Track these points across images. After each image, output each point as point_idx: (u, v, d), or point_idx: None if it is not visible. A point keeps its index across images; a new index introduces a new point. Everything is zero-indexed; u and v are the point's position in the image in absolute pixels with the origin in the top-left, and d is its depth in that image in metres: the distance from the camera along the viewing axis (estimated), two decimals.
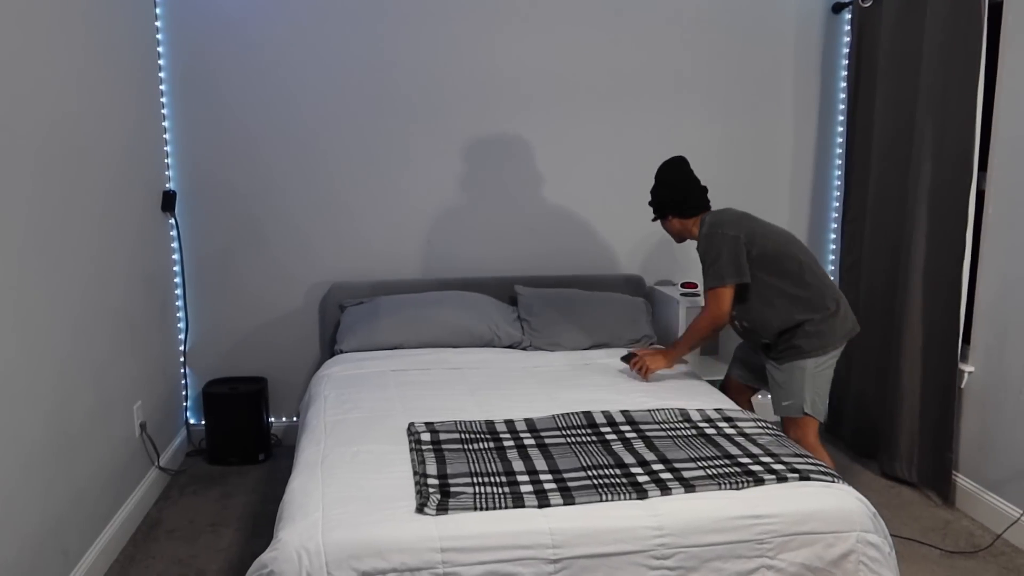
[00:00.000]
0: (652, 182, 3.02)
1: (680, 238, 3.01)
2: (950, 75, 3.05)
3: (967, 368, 3.11)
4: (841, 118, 3.92)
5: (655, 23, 3.75)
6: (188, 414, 3.74)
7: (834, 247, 4.02)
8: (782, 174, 3.97)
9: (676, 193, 2.93)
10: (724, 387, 3.14)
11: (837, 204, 3.98)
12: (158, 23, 3.44)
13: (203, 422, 3.64)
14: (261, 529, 2.95)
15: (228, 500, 3.21)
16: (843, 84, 3.89)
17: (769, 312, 2.77)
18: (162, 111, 3.50)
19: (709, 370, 3.68)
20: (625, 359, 3.05)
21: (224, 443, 3.55)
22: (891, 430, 3.38)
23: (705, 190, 2.96)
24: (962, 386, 3.14)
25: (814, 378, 2.76)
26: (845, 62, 3.86)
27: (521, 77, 3.71)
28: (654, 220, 3.06)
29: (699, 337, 2.87)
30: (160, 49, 3.46)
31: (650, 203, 3.01)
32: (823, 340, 2.74)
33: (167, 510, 3.13)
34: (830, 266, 4.06)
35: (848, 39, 3.81)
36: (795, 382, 2.77)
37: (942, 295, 3.14)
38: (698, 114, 3.87)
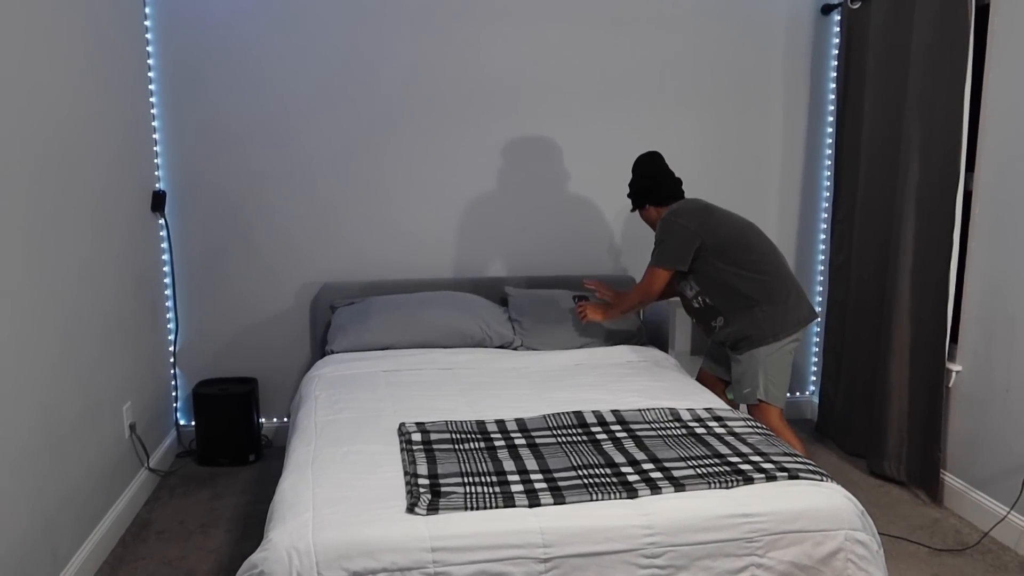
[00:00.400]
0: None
1: (655, 227, 3.13)
2: (938, 76, 3.07)
3: (955, 367, 3.13)
4: (830, 119, 3.94)
5: (645, 24, 3.76)
6: (178, 415, 3.73)
7: (823, 247, 4.04)
8: (772, 174, 3.99)
9: (652, 183, 3.12)
10: (699, 380, 3.25)
11: (826, 204, 4.00)
12: (147, 24, 3.43)
13: (193, 423, 3.63)
14: (251, 530, 2.94)
15: (218, 501, 3.20)
16: (832, 85, 3.91)
17: (726, 293, 2.94)
18: (152, 111, 3.49)
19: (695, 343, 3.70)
20: (576, 298, 3.46)
21: (214, 444, 3.55)
22: (879, 429, 3.40)
23: (679, 181, 3.15)
24: (950, 385, 3.16)
25: (767, 365, 2.91)
26: (834, 63, 3.88)
27: (511, 78, 3.71)
28: (633, 211, 3.22)
29: (630, 307, 3.17)
30: (149, 50, 3.45)
31: (628, 195, 3.19)
32: (774, 327, 2.90)
33: (157, 511, 3.12)
34: (819, 265, 4.08)
35: (837, 40, 3.83)
36: (750, 370, 2.93)
37: (930, 295, 3.16)
38: (688, 115, 3.88)
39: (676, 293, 3.18)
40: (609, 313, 3.24)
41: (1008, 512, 2.87)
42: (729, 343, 3.00)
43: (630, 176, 3.23)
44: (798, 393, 4.22)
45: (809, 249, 4.08)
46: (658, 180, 3.12)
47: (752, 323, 2.91)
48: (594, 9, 3.72)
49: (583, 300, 3.39)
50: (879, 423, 3.41)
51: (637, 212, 3.26)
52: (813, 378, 4.19)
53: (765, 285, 2.91)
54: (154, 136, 3.51)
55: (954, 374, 3.14)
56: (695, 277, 2.99)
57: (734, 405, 3.04)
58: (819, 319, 3.99)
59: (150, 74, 3.47)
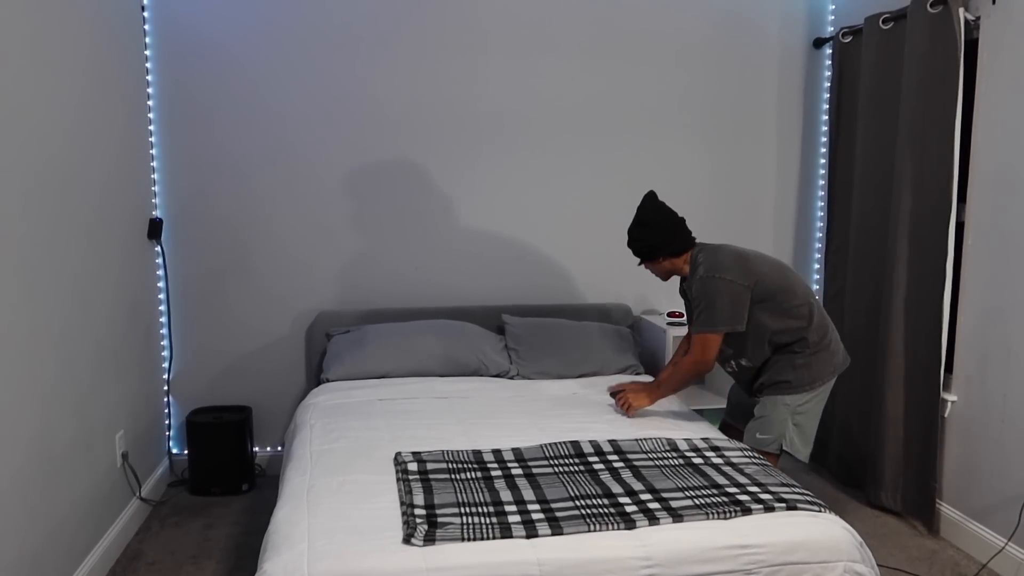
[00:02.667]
0: (636, 212, 2.90)
1: (667, 276, 2.91)
2: (929, 109, 3.12)
3: (950, 397, 3.14)
4: (823, 150, 3.98)
5: (639, 57, 3.81)
6: (171, 443, 3.70)
7: (817, 277, 4.06)
8: (766, 206, 4.02)
9: (665, 233, 2.80)
10: (721, 430, 3.04)
11: (820, 235, 4.03)
12: (147, 52, 3.46)
13: (186, 451, 3.60)
14: (244, 562, 2.91)
15: (210, 531, 3.16)
16: (825, 117, 3.96)
17: (760, 342, 2.74)
18: (150, 139, 3.50)
19: (696, 399, 3.69)
20: (613, 394, 3.03)
21: (207, 473, 3.51)
22: (876, 459, 3.39)
23: (683, 221, 2.87)
24: (945, 415, 3.16)
25: (794, 414, 2.72)
26: (827, 96, 3.94)
27: (506, 107, 3.75)
28: (640, 264, 2.92)
29: (683, 381, 2.82)
30: (149, 78, 3.48)
31: (632, 246, 2.86)
32: (811, 374, 2.72)
33: (148, 542, 3.08)
34: None
35: (829, 73, 3.89)
36: (776, 416, 2.72)
37: (924, 325, 3.17)
38: (682, 147, 3.92)
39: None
40: (656, 394, 2.88)
41: (1006, 544, 2.86)
42: (755, 386, 2.83)
43: (628, 207, 2.96)
44: None
45: (804, 279, 4.10)
46: (670, 229, 2.81)
47: (788, 370, 2.72)
48: (589, 43, 3.77)
49: (619, 393, 2.98)
50: (875, 453, 3.40)
51: (643, 264, 2.92)
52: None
53: (806, 331, 2.71)
54: (151, 164, 3.52)
55: (949, 404, 3.14)
56: (731, 337, 2.75)
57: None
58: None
59: (149, 102, 3.49)
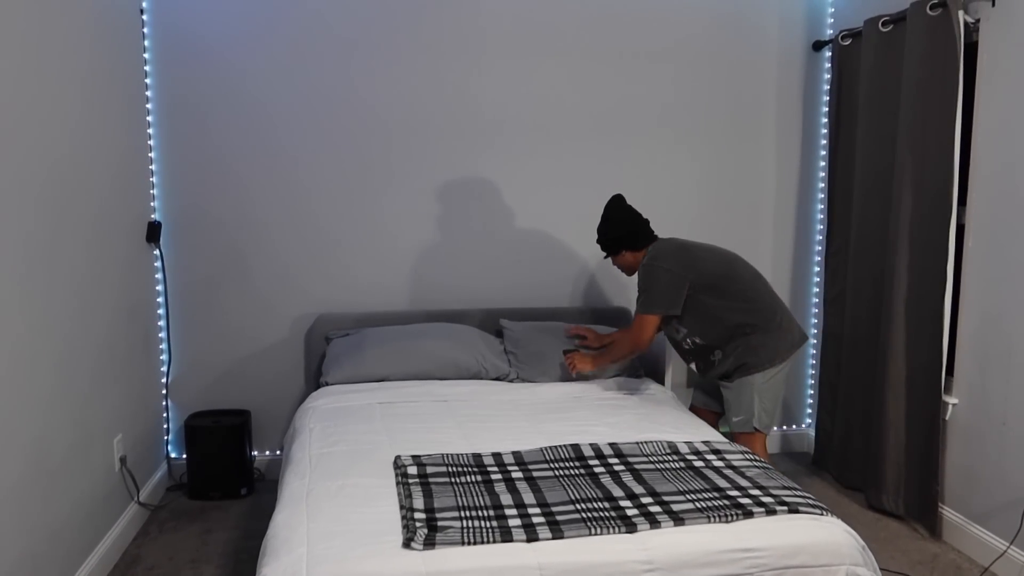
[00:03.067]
0: (603, 211, 3.16)
1: (631, 271, 3.16)
2: (928, 111, 3.11)
3: (951, 400, 3.13)
4: (823, 153, 3.98)
5: (638, 60, 3.81)
6: (169, 447, 3.68)
7: (818, 280, 4.06)
8: (766, 208, 4.02)
9: (627, 228, 3.10)
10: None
11: (820, 237, 4.03)
12: (146, 56, 3.45)
13: (184, 455, 3.59)
14: (243, 566, 2.89)
15: (209, 536, 3.15)
16: (824, 120, 3.96)
17: (718, 328, 2.96)
18: (148, 143, 3.50)
19: (683, 377, 3.68)
20: (565, 351, 3.35)
21: (206, 477, 3.50)
22: (877, 462, 3.38)
23: (647, 222, 3.15)
24: (946, 418, 3.15)
25: (762, 392, 2.94)
26: (826, 98, 3.93)
27: (506, 110, 3.75)
28: (606, 257, 3.21)
29: (619, 355, 3.14)
30: (148, 82, 3.47)
31: (598, 241, 3.17)
32: (769, 353, 2.93)
33: (146, 546, 3.06)
34: (813, 298, 4.09)
35: (829, 76, 3.89)
36: (744, 397, 2.95)
37: (925, 328, 3.17)
38: (681, 149, 3.91)
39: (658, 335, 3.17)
40: (598, 362, 3.23)
41: (1008, 547, 2.85)
42: (720, 374, 3.02)
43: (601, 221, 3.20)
44: (794, 426, 4.20)
45: (803, 282, 4.10)
46: (632, 225, 3.11)
47: (747, 351, 2.93)
48: (588, 45, 3.76)
49: (571, 351, 3.34)
50: (876, 456, 3.39)
51: (609, 259, 3.23)
52: (809, 411, 4.18)
53: (755, 313, 2.95)
54: (150, 167, 3.51)
55: (950, 407, 3.14)
56: (683, 318, 2.99)
57: (731, 437, 3.01)
58: (812, 342, 4.01)
59: (148, 106, 3.48)
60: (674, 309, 2.96)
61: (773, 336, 2.94)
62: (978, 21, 2.99)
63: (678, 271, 2.94)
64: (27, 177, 2.28)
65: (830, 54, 3.85)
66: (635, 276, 3.14)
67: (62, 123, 2.54)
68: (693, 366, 3.16)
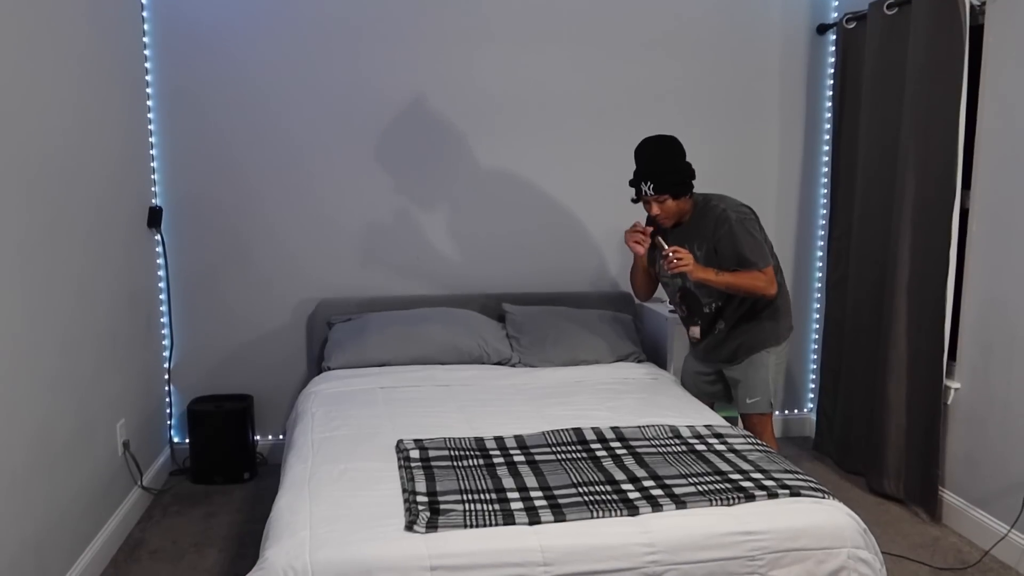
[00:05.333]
0: (659, 144, 2.80)
1: (675, 221, 2.84)
2: (933, 95, 3.09)
3: (953, 384, 3.13)
4: (827, 136, 3.96)
5: (642, 42, 3.78)
6: (172, 432, 3.69)
7: (820, 264, 4.05)
8: (769, 192, 4.00)
9: (690, 169, 2.80)
10: None
11: (823, 221, 4.01)
12: (146, 40, 3.43)
13: (187, 440, 3.60)
14: (246, 549, 2.91)
15: (212, 520, 3.16)
16: (828, 103, 3.93)
17: (738, 308, 2.85)
18: (150, 128, 3.48)
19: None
20: (654, 237, 2.82)
21: (209, 462, 3.51)
22: (878, 447, 3.39)
23: None
24: (948, 402, 3.15)
25: (776, 372, 2.90)
26: (830, 82, 3.91)
27: (507, 94, 3.73)
28: (646, 197, 2.76)
29: (742, 289, 2.73)
30: (148, 66, 3.45)
31: (665, 178, 2.72)
32: (776, 332, 2.88)
33: (150, 530, 3.08)
34: (816, 283, 4.08)
35: (833, 59, 3.86)
36: (759, 376, 2.87)
37: (927, 312, 3.16)
38: (685, 132, 3.83)
39: (647, 292, 3.13)
40: (706, 274, 2.71)
41: (1009, 531, 2.85)
42: (726, 352, 2.93)
43: (629, 194, 2.87)
44: (796, 411, 4.21)
45: (806, 266, 4.09)
46: (688, 164, 2.80)
47: (757, 327, 2.87)
48: (591, 29, 3.74)
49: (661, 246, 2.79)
50: (878, 441, 3.39)
51: (650, 203, 2.77)
52: (811, 395, 4.18)
53: (777, 293, 2.82)
54: (151, 152, 3.50)
55: (952, 392, 3.13)
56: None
57: (733, 421, 2.99)
58: (814, 327, 4.00)
59: (148, 90, 3.47)
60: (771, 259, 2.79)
61: (781, 315, 2.90)
62: (984, 3, 2.96)
63: (757, 219, 2.82)
64: (28, 164, 2.27)
65: (835, 37, 3.83)
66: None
67: (59, 110, 2.52)
68: (696, 332, 2.96)
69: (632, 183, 2.84)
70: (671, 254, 2.68)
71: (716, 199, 2.84)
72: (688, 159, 2.82)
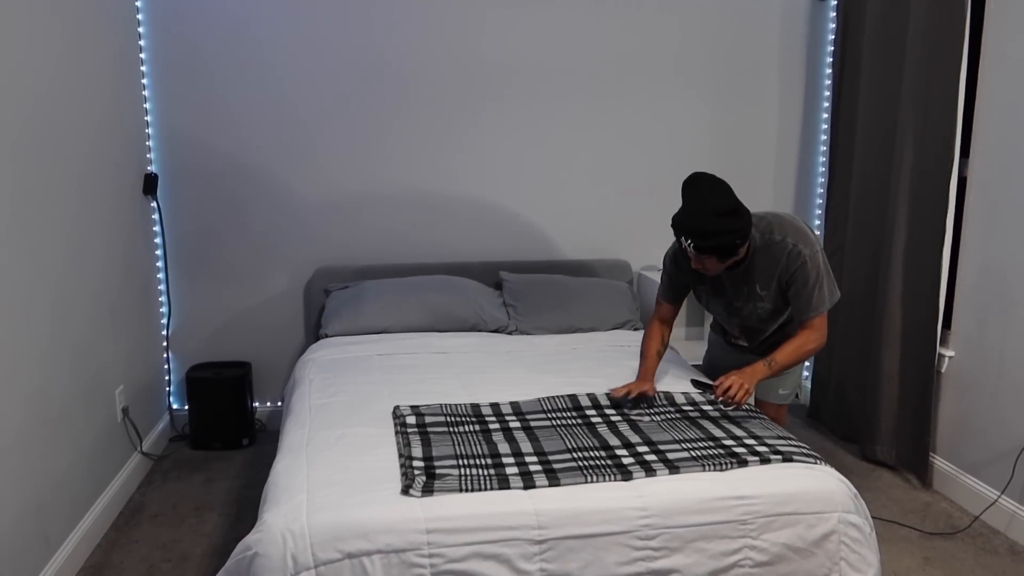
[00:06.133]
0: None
1: (738, 264, 2.46)
2: (933, 63, 3.07)
3: (947, 353, 3.15)
4: (826, 105, 3.93)
5: (641, 11, 3.74)
6: (171, 399, 3.72)
7: (818, 233, 4.03)
8: (767, 161, 3.99)
9: (749, 218, 2.35)
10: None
11: (821, 191, 4.00)
12: (138, 3, 3.38)
13: (186, 407, 3.62)
14: (245, 514, 2.94)
15: (211, 485, 3.20)
16: (828, 72, 3.90)
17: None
18: (143, 92, 3.45)
19: (694, 353, 3.70)
20: (700, 387, 2.60)
21: (207, 428, 3.54)
22: (872, 414, 3.42)
23: None
24: (942, 370, 3.17)
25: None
26: (830, 49, 3.87)
27: (507, 62, 3.69)
28: (711, 260, 2.35)
29: (802, 359, 2.50)
30: (141, 30, 3.41)
31: (719, 240, 2.27)
32: None
33: (150, 495, 3.11)
34: None
35: (833, 27, 3.82)
36: (795, 370, 2.69)
37: (923, 281, 3.17)
38: (683, 101, 3.87)
39: (670, 319, 2.75)
40: (766, 373, 2.43)
41: (999, 496, 2.89)
42: (767, 347, 2.61)
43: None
44: None
45: None
46: (746, 210, 2.35)
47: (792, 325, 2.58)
48: None
49: (708, 387, 2.57)
50: (871, 408, 3.42)
51: (707, 258, 2.36)
52: (806, 363, 4.20)
53: None
54: (146, 119, 3.47)
55: (946, 360, 3.15)
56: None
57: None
58: None
59: (142, 55, 3.43)
60: (837, 294, 2.49)
61: None
62: None
63: (820, 247, 2.44)
64: (15, 128, 2.25)
65: (835, 3, 3.78)
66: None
67: (49, 72, 2.49)
68: (742, 341, 2.74)
69: (672, 224, 2.35)
70: (721, 398, 2.36)
71: (778, 229, 2.42)
72: (740, 202, 2.32)
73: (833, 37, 3.81)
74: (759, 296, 2.49)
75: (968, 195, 3.05)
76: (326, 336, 3.34)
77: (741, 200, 2.33)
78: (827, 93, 3.91)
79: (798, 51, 3.91)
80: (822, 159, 3.99)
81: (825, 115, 3.94)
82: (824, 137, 3.96)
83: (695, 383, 2.64)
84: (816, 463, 2.11)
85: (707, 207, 2.28)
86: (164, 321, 3.63)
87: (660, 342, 2.69)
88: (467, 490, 1.90)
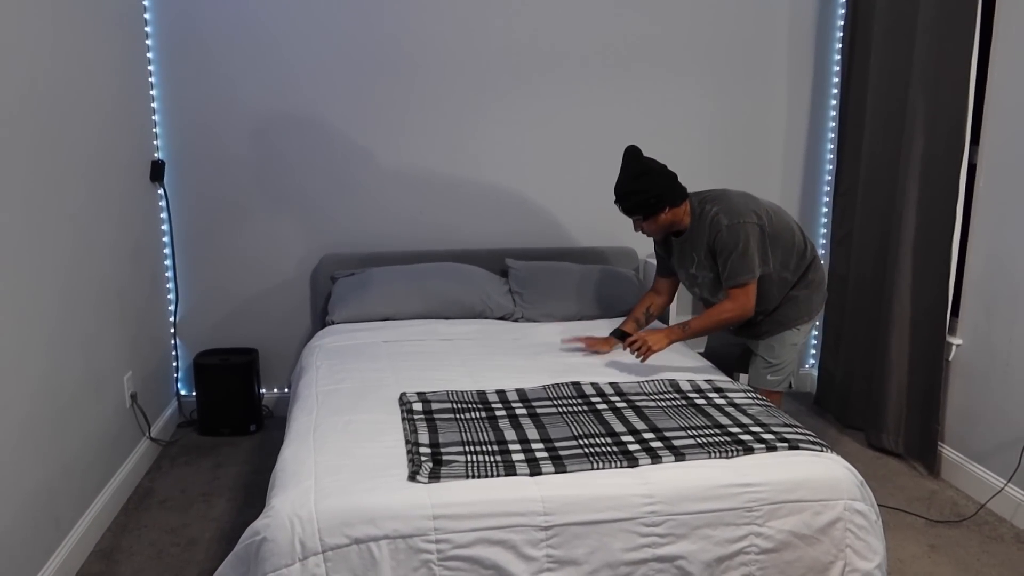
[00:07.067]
0: (626, 166, 2.73)
1: (664, 232, 2.74)
2: (944, 49, 3.04)
3: (955, 341, 3.14)
4: (835, 91, 3.90)
5: None
6: (179, 385, 3.73)
7: (826, 220, 4.03)
8: (775, 146, 3.97)
9: (667, 180, 2.63)
10: None
11: (829, 177, 3.98)
12: None
13: (194, 393, 3.64)
14: (253, 499, 2.96)
15: (219, 470, 3.22)
16: (837, 57, 3.87)
17: (773, 288, 2.72)
18: (150, 80, 3.45)
19: (697, 341, 3.69)
20: (617, 336, 2.91)
21: (215, 414, 3.56)
22: (879, 402, 3.41)
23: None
24: (950, 359, 3.16)
25: (800, 351, 2.84)
26: (839, 34, 3.84)
27: (514, 48, 3.67)
28: (640, 219, 2.66)
29: (718, 327, 2.69)
30: (147, 16, 3.40)
31: (631, 200, 2.62)
32: (809, 307, 2.80)
33: (159, 480, 3.13)
34: (821, 239, 4.07)
35: (843, 11, 3.78)
36: (785, 355, 2.81)
37: (932, 268, 3.15)
38: (691, 87, 3.84)
39: (665, 292, 2.99)
40: (676, 334, 2.67)
41: (1005, 484, 2.89)
42: (756, 330, 2.81)
43: (620, 174, 2.67)
44: None
45: (812, 222, 4.06)
46: (672, 176, 2.64)
47: (791, 306, 2.76)
48: None
49: (624, 336, 2.86)
50: (878, 396, 3.41)
51: (637, 220, 2.68)
52: (813, 351, 4.19)
53: (802, 265, 2.75)
54: (152, 105, 3.47)
55: (954, 348, 3.14)
56: None
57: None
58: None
59: (148, 41, 3.42)
60: (768, 266, 2.64)
61: (817, 290, 2.79)
62: None
63: (759, 223, 2.60)
64: (21, 116, 2.25)
65: None
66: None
67: (53, 60, 2.49)
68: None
69: None
70: (629, 349, 2.68)
71: (712, 202, 2.65)
72: (659, 164, 2.63)
73: (843, 23, 3.78)
74: (702, 264, 2.70)
75: (977, 183, 3.03)
76: (333, 323, 3.35)
77: (675, 169, 2.65)
78: (836, 79, 3.88)
79: (807, 36, 3.87)
80: (831, 145, 3.97)
81: (834, 101, 3.92)
82: (833, 124, 3.93)
83: (616, 333, 2.94)
84: (822, 451, 2.11)
85: (625, 175, 2.66)
86: (172, 307, 3.65)
87: (644, 309, 2.98)
88: (473, 476, 1.91)
